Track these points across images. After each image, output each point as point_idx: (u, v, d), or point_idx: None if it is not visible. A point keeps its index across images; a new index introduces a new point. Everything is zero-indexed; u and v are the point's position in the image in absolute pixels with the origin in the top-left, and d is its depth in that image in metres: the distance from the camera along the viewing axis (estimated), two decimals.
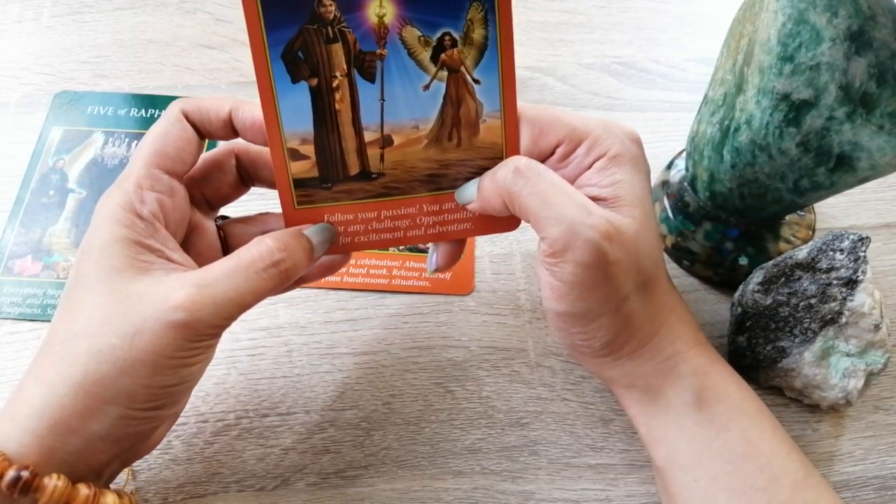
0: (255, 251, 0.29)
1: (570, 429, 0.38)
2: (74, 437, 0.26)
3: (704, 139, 0.37)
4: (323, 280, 0.42)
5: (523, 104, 0.32)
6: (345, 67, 0.30)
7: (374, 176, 0.32)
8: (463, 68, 0.31)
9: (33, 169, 0.45)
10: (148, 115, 0.48)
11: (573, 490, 0.36)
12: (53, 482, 0.25)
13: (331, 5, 0.29)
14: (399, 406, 0.38)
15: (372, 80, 0.30)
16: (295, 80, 0.30)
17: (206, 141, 0.32)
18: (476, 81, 0.31)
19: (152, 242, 0.28)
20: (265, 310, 0.41)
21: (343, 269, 0.42)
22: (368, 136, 0.31)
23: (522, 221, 0.33)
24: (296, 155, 0.31)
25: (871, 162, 0.32)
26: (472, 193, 0.32)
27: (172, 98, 0.49)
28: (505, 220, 0.33)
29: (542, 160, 0.31)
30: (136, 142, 0.47)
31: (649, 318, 0.31)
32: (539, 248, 0.30)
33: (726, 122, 0.35)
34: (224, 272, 0.28)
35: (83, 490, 0.26)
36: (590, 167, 0.30)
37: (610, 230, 0.28)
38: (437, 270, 0.34)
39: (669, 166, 0.44)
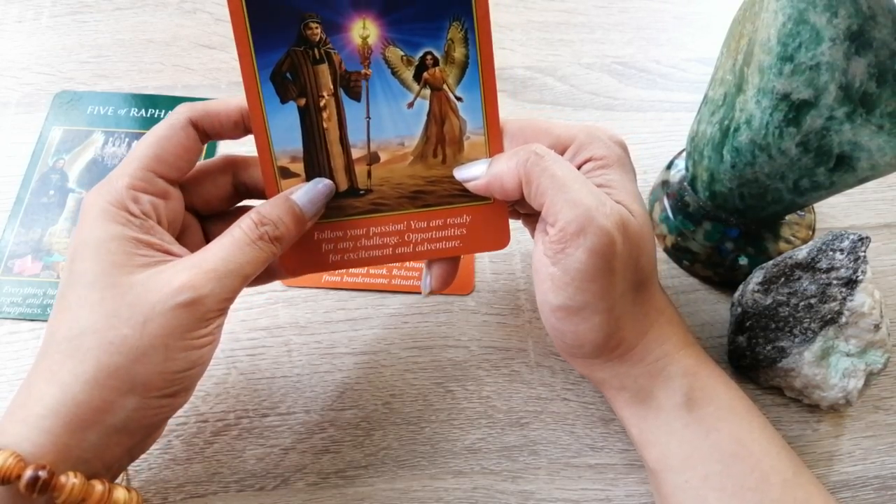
0: (245, 224, 0.29)
1: (570, 429, 0.38)
2: (91, 433, 0.26)
3: (704, 139, 0.37)
4: (322, 280, 0.42)
5: (507, 118, 0.32)
6: (331, 87, 0.31)
7: (362, 192, 0.33)
8: (445, 86, 0.32)
9: (33, 169, 0.45)
10: (148, 115, 0.48)
11: (573, 490, 0.36)
12: (71, 480, 0.25)
13: (316, 28, 0.30)
14: (399, 406, 0.38)
15: (358, 99, 0.31)
16: (284, 101, 0.31)
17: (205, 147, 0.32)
18: (459, 99, 0.32)
19: (150, 238, 0.28)
20: (265, 310, 0.41)
21: (343, 269, 0.42)
22: (355, 154, 0.32)
23: (509, 239, 0.34)
24: (286, 173, 0.32)
25: (871, 162, 0.32)
26: (478, 171, 0.32)
27: (172, 98, 0.49)
28: (493, 238, 0.34)
29: None
30: (136, 142, 0.47)
31: (639, 320, 0.32)
32: (542, 239, 0.30)
33: (726, 122, 0.35)
34: (220, 248, 0.28)
35: (98, 487, 0.26)
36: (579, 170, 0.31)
37: (621, 222, 0.29)
38: (431, 293, 0.35)
39: (669, 166, 0.44)
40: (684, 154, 0.43)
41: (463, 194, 0.33)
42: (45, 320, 0.40)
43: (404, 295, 0.42)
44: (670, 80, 0.51)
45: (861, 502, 0.36)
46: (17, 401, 0.27)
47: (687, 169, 0.41)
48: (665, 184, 0.44)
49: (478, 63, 0.31)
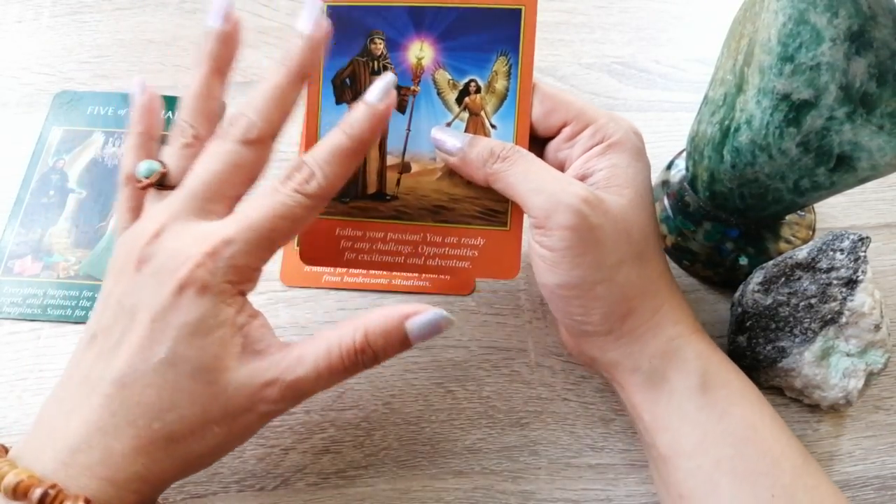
0: (341, 340, 0.29)
1: (570, 429, 0.38)
2: (154, 490, 0.28)
3: (704, 139, 0.37)
4: (322, 280, 0.42)
5: (542, 82, 0.34)
6: None
7: (388, 198, 0.35)
8: (483, 113, 0.34)
9: (33, 169, 0.45)
10: None
11: (573, 490, 0.36)
12: None
13: (380, 43, 0.33)
14: (399, 406, 0.38)
15: (402, 112, 0.34)
16: (338, 102, 0.34)
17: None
18: (493, 126, 0.34)
19: (249, 328, 0.29)
20: (265, 310, 0.40)
21: (343, 269, 0.42)
22: (390, 161, 0.34)
23: (519, 269, 0.35)
24: None
25: (871, 162, 0.32)
26: (455, 145, 0.33)
27: (172, 98, 0.49)
28: (503, 266, 0.35)
29: (550, 136, 0.34)
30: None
31: (649, 291, 0.32)
32: (530, 226, 0.32)
33: (726, 122, 0.35)
34: (311, 347, 0.29)
35: None
36: (591, 149, 0.33)
37: (590, 197, 0.30)
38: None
39: (669, 166, 0.44)
40: (684, 154, 0.43)
41: (481, 217, 0.34)
42: (45, 320, 0.40)
43: (404, 295, 0.42)
44: (670, 80, 0.51)
45: (861, 502, 0.36)
46: (83, 441, 0.26)
47: (687, 169, 0.41)
48: (665, 184, 0.44)
49: (516, 96, 0.33)
